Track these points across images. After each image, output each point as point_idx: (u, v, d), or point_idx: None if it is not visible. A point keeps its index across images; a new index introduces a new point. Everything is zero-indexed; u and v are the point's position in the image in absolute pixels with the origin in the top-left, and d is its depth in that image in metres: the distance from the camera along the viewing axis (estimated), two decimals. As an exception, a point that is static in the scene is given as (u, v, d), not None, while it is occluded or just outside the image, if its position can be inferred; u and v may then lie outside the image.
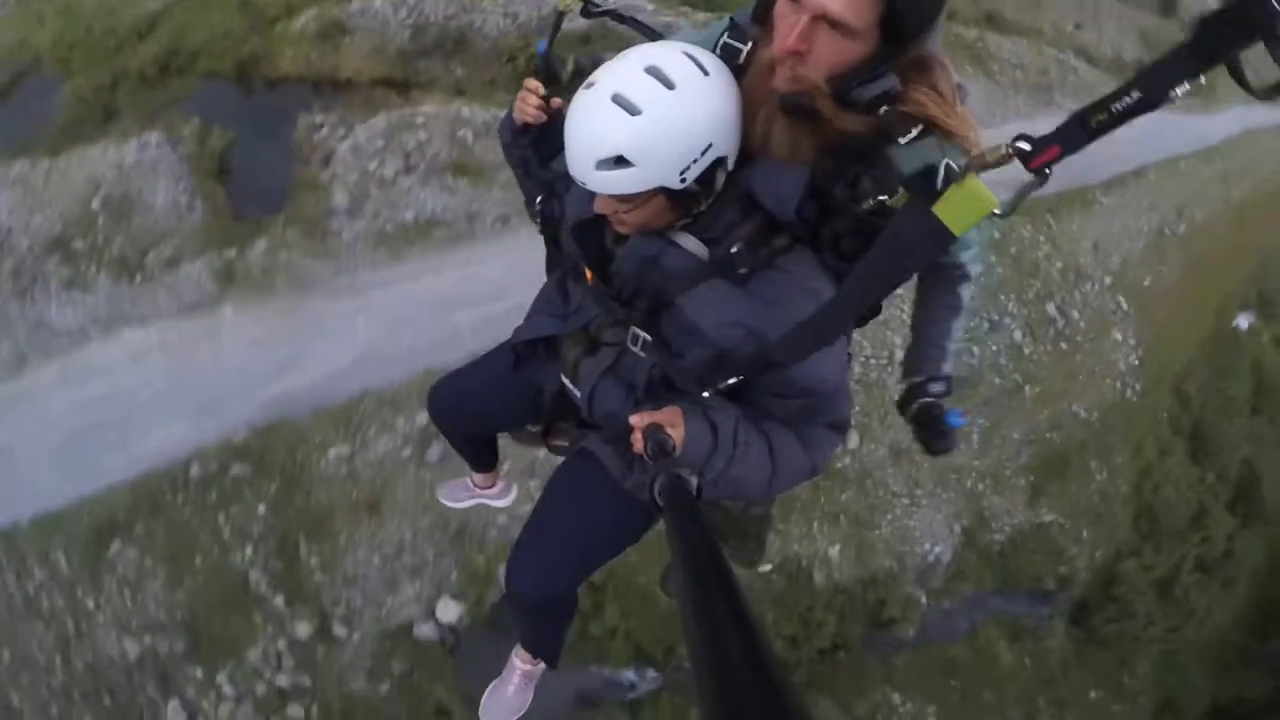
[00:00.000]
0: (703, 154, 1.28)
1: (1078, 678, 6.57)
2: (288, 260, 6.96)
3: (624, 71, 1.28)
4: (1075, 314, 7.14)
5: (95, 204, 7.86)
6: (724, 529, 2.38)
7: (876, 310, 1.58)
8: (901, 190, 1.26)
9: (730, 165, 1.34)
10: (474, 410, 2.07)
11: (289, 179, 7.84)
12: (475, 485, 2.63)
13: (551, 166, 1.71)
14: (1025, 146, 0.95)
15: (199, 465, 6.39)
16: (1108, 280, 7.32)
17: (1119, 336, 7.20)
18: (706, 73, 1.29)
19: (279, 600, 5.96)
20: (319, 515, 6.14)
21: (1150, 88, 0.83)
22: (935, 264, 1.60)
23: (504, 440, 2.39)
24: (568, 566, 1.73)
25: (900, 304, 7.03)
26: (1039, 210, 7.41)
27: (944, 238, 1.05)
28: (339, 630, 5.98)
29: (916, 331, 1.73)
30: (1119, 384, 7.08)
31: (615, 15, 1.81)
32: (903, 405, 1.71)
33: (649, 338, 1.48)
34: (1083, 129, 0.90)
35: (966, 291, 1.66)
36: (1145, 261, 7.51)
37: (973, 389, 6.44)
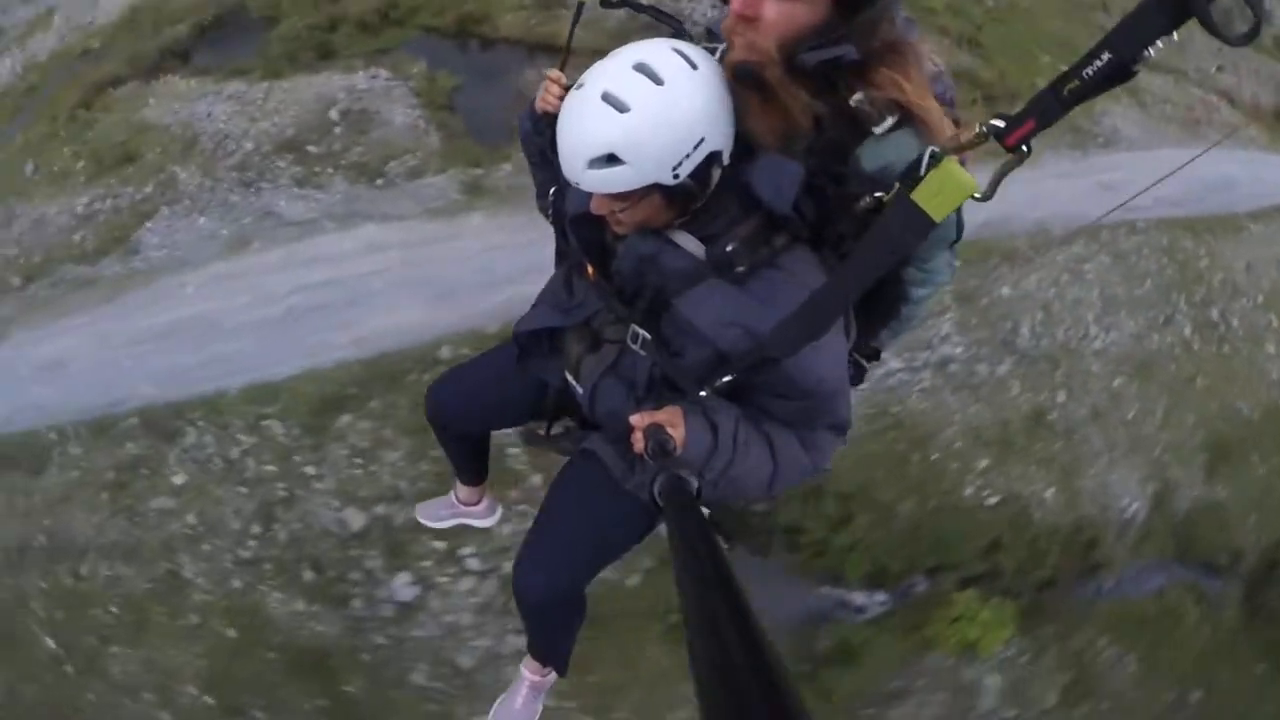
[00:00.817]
0: (695, 148, 1.27)
1: (1246, 650, 6.92)
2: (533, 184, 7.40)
3: (612, 70, 1.27)
4: (1235, 322, 7.90)
5: (333, 114, 8.33)
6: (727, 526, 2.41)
7: (877, 354, 1.68)
8: (898, 185, 1.23)
9: (725, 160, 1.33)
10: (475, 405, 2.02)
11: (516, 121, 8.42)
12: (460, 501, 2.53)
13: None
14: (999, 124, 0.95)
15: (449, 349, 6.63)
16: (1260, 299, 8.15)
17: (1272, 349, 7.96)
18: (695, 67, 1.28)
19: (536, 479, 6.06)
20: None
21: (1122, 47, 0.81)
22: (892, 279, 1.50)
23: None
24: (569, 566, 1.71)
25: (1091, 286, 7.72)
26: (1199, 227, 8.31)
27: (924, 225, 1.04)
28: (591, 515, 6.02)
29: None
30: (1274, 391, 7.77)
31: (634, 5, 1.81)
32: None
33: (648, 336, 1.47)
34: (1056, 100, 0.89)
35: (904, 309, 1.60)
36: (1292, 288, 8.41)
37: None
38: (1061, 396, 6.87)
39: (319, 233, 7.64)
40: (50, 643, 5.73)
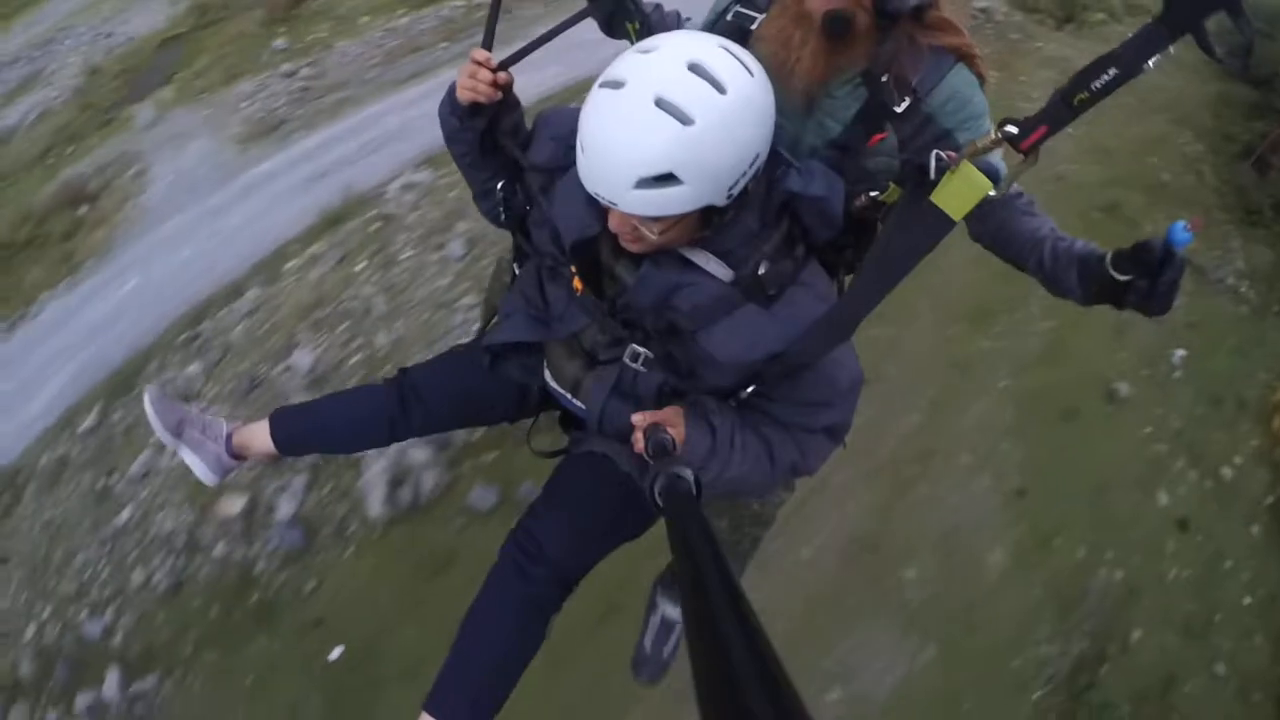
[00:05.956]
0: (751, 165, 1.15)
1: None
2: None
3: (665, 70, 1.09)
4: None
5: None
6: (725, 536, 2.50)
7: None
8: (892, 185, 1.30)
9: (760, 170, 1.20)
10: (455, 390, 1.87)
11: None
12: (232, 448, 1.90)
13: (503, 149, 1.51)
14: (1013, 130, 1.02)
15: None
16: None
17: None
18: (752, 72, 1.14)
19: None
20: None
21: (1126, 63, 0.91)
22: (1001, 205, 1.43)
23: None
24: (576, 549, 1.59)
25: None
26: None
27: (944, 224, 1.09)
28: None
29: (1039, 254, 1.42)
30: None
31: None
32: (1116, 269, 1.26)
33: (651, 355, 1.41)
34: (1067, 107, 0.98)
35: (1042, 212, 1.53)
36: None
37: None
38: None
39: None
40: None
